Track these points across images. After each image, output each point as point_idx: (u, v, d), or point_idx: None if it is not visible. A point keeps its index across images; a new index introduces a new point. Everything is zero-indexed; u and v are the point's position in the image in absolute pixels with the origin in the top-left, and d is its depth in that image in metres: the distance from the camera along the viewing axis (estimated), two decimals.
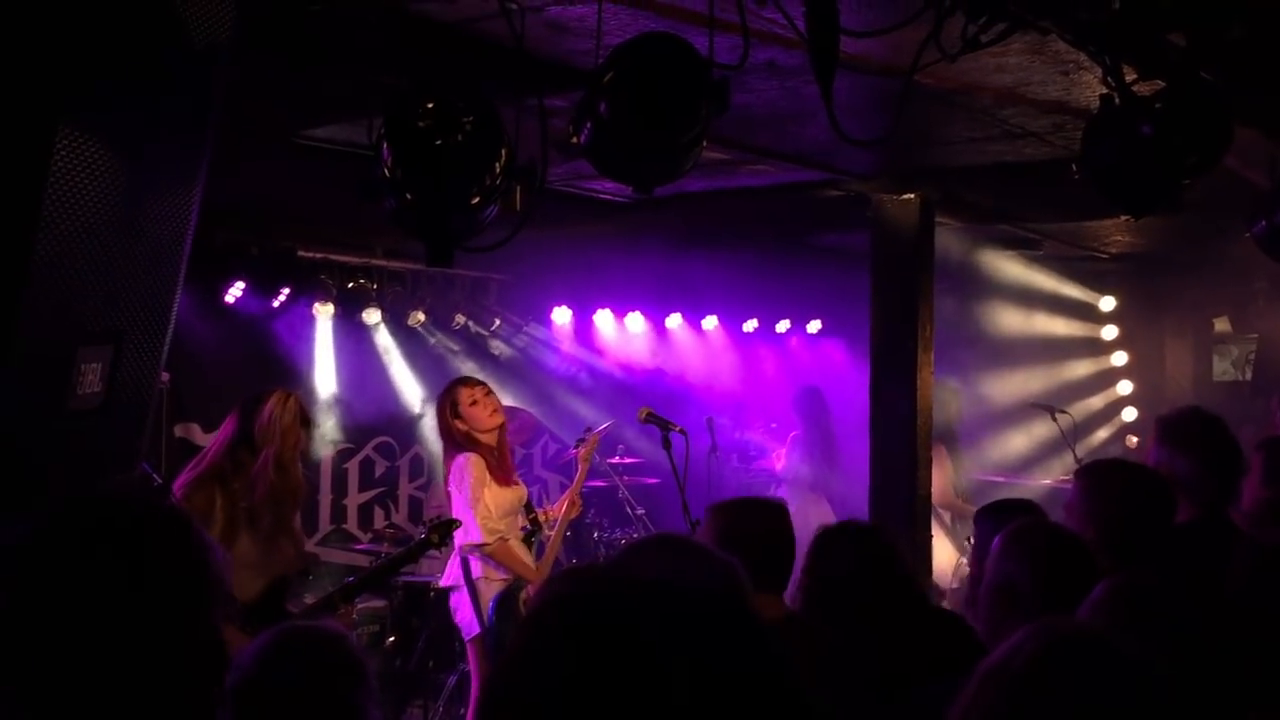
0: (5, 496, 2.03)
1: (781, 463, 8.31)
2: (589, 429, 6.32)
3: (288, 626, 2.14)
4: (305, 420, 4.58)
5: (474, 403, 5.51)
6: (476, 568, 5.42)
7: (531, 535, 5.63)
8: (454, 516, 5.30)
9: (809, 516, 7.99)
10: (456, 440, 5.50)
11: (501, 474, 5.49)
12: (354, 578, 4.83)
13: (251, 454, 4.40)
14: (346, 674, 2.02)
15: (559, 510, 5.87)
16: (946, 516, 7.54)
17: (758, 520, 3.33)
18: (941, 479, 7.33)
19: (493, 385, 8.43)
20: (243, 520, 4.33)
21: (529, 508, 5.71)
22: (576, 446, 6.11)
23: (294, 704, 1.99)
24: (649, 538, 2.34)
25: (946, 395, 7.70)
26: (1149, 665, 1.28)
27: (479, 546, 5.34)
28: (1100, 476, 3.36)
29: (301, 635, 2.09)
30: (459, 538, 5.31)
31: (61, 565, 1.58)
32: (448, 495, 5.52)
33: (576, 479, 5.97)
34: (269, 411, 4.42)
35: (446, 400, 5.58)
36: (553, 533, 5.74)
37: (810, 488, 8.16)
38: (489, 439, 5.51)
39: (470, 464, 5.39)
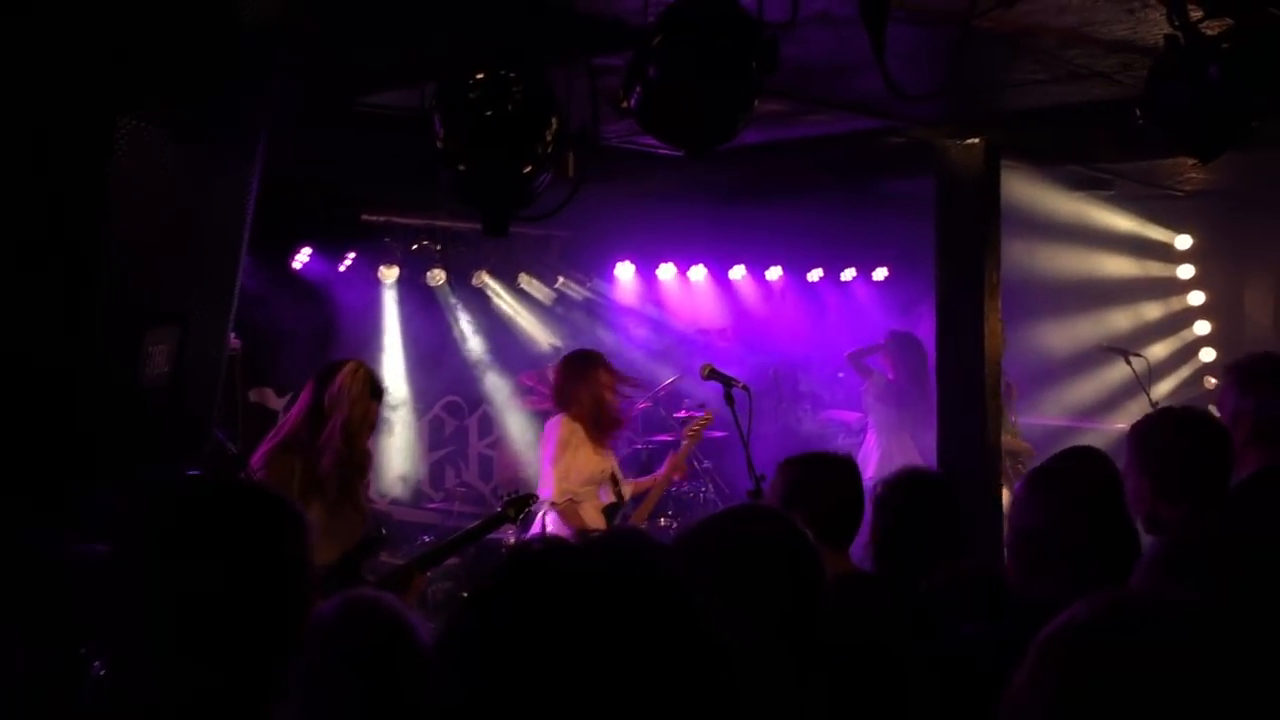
0: (79, 478, 2.11)
1: (890, 372, 8.28)
2: (702, 405, 6.41)
3: (348, 596, 2.20)
4: (376, 391, 4.61)
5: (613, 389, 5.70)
6: (551, 523, 5.56)
7: (614, 509, 5.73)
8: (542, 471, 5.53)
9: (895, 460, 8.00)
10: (576, 402, 5.61)
11: (600, 438, 5.63)
12: (429, 545, 4.92)
13: (324, 421, 4.47)
14: (395, 646, 2.08)
15: (658, 477, 5.99)
16: (1005, 460, 7.50)
17: (826, 476, 3.33)
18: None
19: (557, 341, 8.56)
20: (314, 488, 4.41)
21: (615, 481, 5.79)
22: (684, 424, 6.29)
23: (346, 670, 2.05)
24: (736, 508, 2.33)
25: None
26: (1214, 628, 1.25)
27: (551, 503, 5.50)
28: (1147, 426, 3.29)
29: (357, 605, 2.15)
30: (541, 493, 5.48)
31: (164, 544, 1.67)
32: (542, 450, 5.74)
33: (679, 454, 6.09)
34: (340, 381, 4.46)
35: (595, 372, 5.68)
36: (640, 507, 5.88)
37: (897, 431, 8.13)
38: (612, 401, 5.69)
39: (560, 425, 5.59)
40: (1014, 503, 2.66)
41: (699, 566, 1.14)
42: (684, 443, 6.13)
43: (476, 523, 5.15)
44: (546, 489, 5.55)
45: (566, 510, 5.49)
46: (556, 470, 5.50)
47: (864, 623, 2.27)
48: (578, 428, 5.58)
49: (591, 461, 5.61)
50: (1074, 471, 2.72)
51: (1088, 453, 3.85)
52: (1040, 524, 2.55)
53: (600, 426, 5.61)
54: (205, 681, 1.64)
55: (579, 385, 5.64)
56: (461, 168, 2.65)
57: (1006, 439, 7.55)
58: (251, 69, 2.35)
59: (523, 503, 4.96)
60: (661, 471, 6.09)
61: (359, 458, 4.56)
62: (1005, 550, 2.71)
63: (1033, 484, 2.64)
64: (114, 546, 1.73)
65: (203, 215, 2.33)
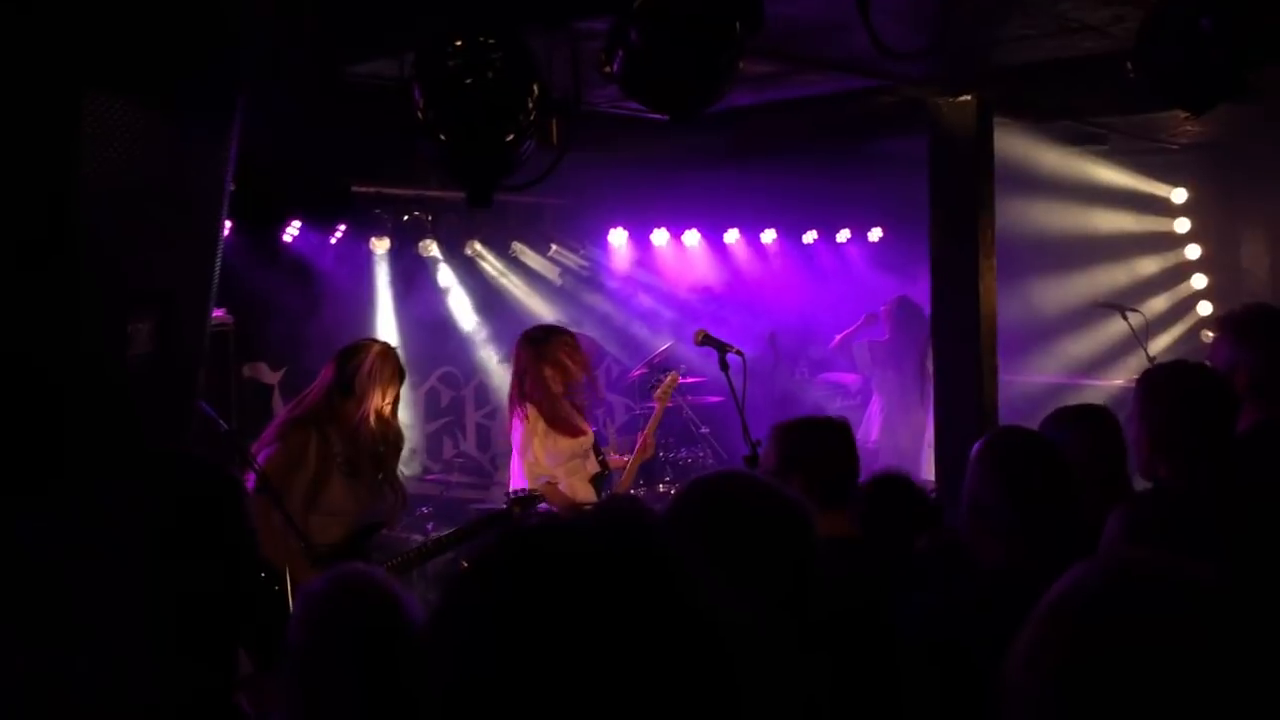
0: (64, 466, 2.08)
1: (886, 333, 8.27)
2: (665, 371, 6.30)
3: (338, 572, 2.19)
4: (401, 373, 4.66)
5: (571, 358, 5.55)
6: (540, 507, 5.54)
7: (600, 478, 5.65)
8: (511, 461, 5.49)
9: (896, 426, 8.01)
10: (529, 387, 5.52)
11: (561, 424, 5.50)
12: (432, 536, 4.93)
13: (347, 401, 4.46)
14: (386, 621, 2.08)
15: (632, 455, 5.92)
16: None
17: (821, 440, 3.32)
18: None
19: (551, 310, 8.52)
20: (339, 467, 4.43)
21: (598, 450, 5.74)
22: (652, 388, 6.18)
23: (338, 645, 2.05)
24: (709, 476, 2.32)
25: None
26: (1217, 594, 1.22)
27: (526, 491, 5.44)
28: (1153, 380, 3.26)
29: (348, 581, 2.15)
30: (511, 484, 5.45)
31: (163, 545, 1.67)
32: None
33: (651, 421, 5.98)
34: (370, 364, 4.47)
35: (544, 350, 5.53)
36: (624, 474, 5.82)
37: (902, 393, 8.14)
38: (563, 390, 5.57)
39: (526, 415, 5.48)
40: (967, 470, 2.68)
41: (691, 536, 1.13)
42: (656, 406, 6.03)
43: (480, 519, 5.16)
44: (516, 480, 5.44)
45: (547, 492, 5.39)
46: (525, 461, 5.42)
47: (857, 589, 2.26)
48: (535, 413, 5.45)
49: (566, 442, 5.52)
50: (1014, 445, 2.73)
51: (1086, 410, 3.81)
52: (983, 496, 2.58)
53: (555, 423, 5.47)
54: (205, 681, 1.63)
55: (530, 377, 5.49)
56: (443, 138, 2.61)
57: None
58: (222, 44, 2.31)
59: (529, 502, 4.92)
60: (635, 449, 5.97)
61: (394, 437, 4.60)
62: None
63: (980, 455, 2.65)
64: (110, 545, 1.72)
65: (179, 191, 2.29)
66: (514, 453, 5.52)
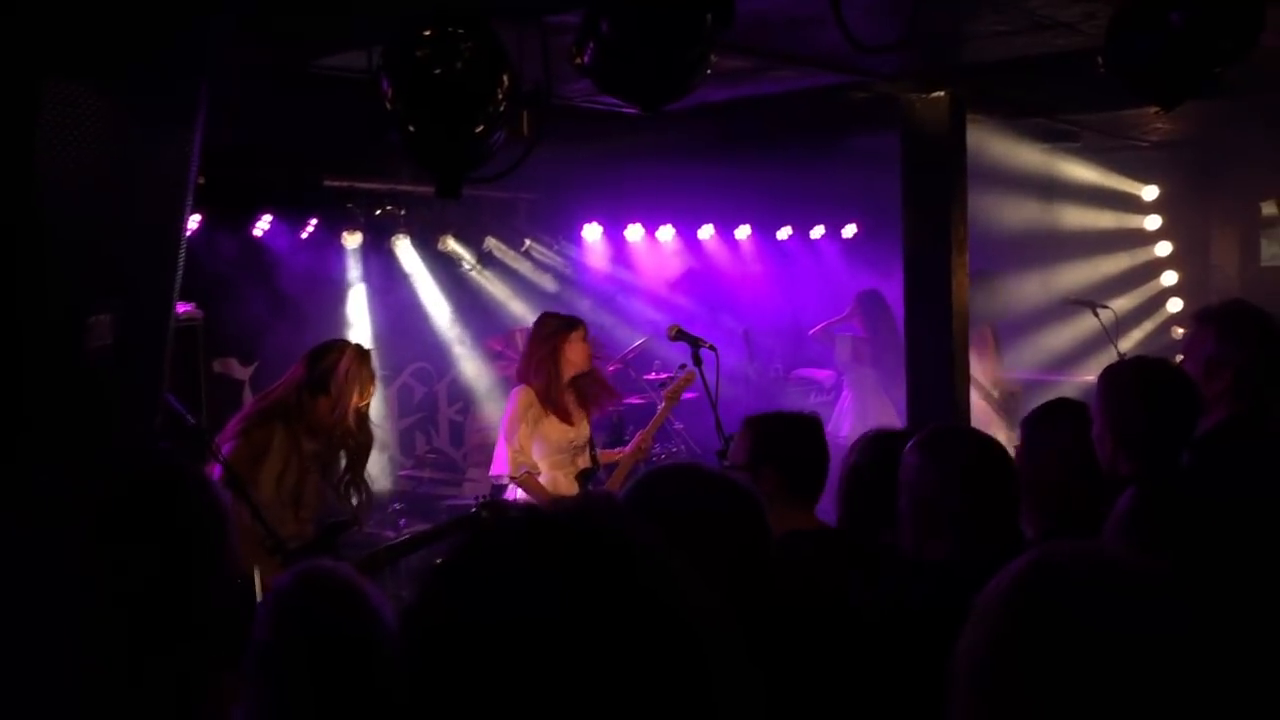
0: (24, 450, 2.05)
1: (862, 330, 8.26)
2: (682, 366, 5.89)
3: (303, 567, 2.17)
4: (371, 371, 4.64)
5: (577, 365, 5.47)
6: (521, 497, 5.47)
7: (588, 474, 5.51)
8: (496, 444, 5.40)
9: (869, 419, 8.04)
10: (534, 374, 5.45)
11: (555, 408, 5.42)
12: (402, 537, 4.90)
13: (319, 401, 4.43)
14: (350, 616, 2.06)
15: (627, 450, 5.80)
16: (996, 393, 7.61)
17: (792, 434, 3.32)
18: (990, 359, 7.67)
19: (526, 305, 8.50)
20: (310, 465, 4.40)
21: (592, 447, 5.65)
22: (662, 387, 6.02)
23: (300, 641, 2.03)
24: (664, 467, 2.32)
25: (997, 285, 8.06)
26: (1157, 585, 1.21)
27: (506, 478, 5.37)
28: (1115, 375, 3.26)
29: (312, 577, 2.13)
30: (493, 470, 5.39)
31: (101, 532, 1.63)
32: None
33: (653, 421, 5.84)
34: (346, 366, 4.44)
35: (558, 334, 5.47)
36: (616, 472, 5.72)
37: (874, 390, 8.16)
38: (568, 378, 5.50)
39: (517, 396, 5.41)
40: (904, 467, 2.67)
41: (656, 527, 1.12)
42: (661, 405, 5.84)
43: (448, 522, 5.11)
44: (499, 465, 5.36)
45: (524, 482, 5.30)
46: (510, 445, 5.32)
47: (818, 582, 2.26)
48: (530, 393, 5.38)
49: (557, 430, 5.42)
50: (950, 437, 2.73)
51: (1070, 404, 3.79)
52: (924, 490, 2.58)
53: (548, 404, 5.38)
54: (169, 679, 1.61)
55: (534, 361, 5.43)
56: (411, 128, 2.59)
57: (1003, 377, 7.77)
58: (185, 30, 2.27)
59: (497, 507, 4.87)
60: (632, 444, 5.87)
61: (366, 438, 4.61)
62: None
63: (918, 450, 2.65)
64: (57, 542, 1.68)
65: (141, 180, 2.26)
66: (500, 435, 5.42)
